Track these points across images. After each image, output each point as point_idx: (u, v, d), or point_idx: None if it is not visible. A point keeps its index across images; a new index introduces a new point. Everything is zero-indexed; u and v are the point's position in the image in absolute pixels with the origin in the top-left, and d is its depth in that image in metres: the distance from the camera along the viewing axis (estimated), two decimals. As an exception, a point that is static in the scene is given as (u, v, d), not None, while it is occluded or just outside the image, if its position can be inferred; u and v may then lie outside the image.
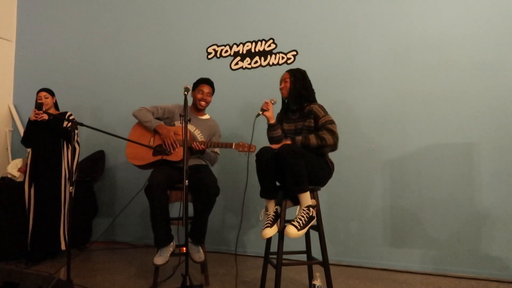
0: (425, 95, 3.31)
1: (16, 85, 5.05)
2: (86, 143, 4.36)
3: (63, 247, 3.51)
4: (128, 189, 4.19)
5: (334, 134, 2.52)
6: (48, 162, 3.50)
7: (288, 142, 2.53)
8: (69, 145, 3.58)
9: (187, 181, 2.44)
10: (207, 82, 3.13)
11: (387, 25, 3.49)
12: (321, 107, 2.64)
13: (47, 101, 3.59)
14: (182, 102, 3.10)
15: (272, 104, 2.75)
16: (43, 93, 3.61)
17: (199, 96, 3.08)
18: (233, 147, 2.78)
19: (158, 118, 3.05)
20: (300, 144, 2.50)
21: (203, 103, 3.09)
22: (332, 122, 2.56)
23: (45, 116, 3.42)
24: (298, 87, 2.68)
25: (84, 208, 4.08)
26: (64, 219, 3.53)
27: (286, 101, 2.79)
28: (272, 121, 2.73)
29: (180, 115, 2.57)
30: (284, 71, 2.80)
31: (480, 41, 3.19)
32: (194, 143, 2.87)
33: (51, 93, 3.66)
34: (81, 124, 2.62)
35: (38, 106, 3.41)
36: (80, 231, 3.98)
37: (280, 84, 2.77)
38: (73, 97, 4.60)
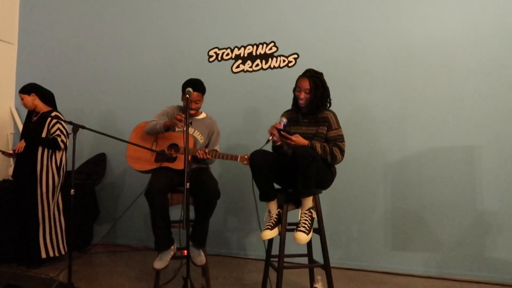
0: (427, 97, 3.31)
1: (18, 88, 5.03)
2: (87, 145, 4.37)
3: (43, 255, 3.29)
4: (129, 192, 4.19)
5: (343, 152, 2.56)
6: (24, 167, 3.36)
7: (306, 142, 2.48)
8: (48, 150, 3.37)
9: (188, 183, 2.42)
10: (195, 88, 2.87)
11: (388, 27, 3.49)
12: (336, 116, 2.62)
13: (24, 102, 3.41)
14: (179, 104, 3.12)
15: (282, 124, 2.53)
16: (20, 95, 3.42)
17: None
18: (238, 160, 2.76)
19: None
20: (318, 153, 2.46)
21: (192, 112, 2.95)
22: (343, 139, 2.59)
23: (18, 149, 3.35)
24: (319, 99, 2.56)
25: (85, 211, 4.08)
26: (43, 227, 3.32)
27: (300, 106, 2.64)
28: (279, 143, 2.56)
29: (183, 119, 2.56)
30: (303, 76, 2.60)
31: (482, 44, 3.19)
32: (199, 152, 2.83)
33: (27, 92, 3.40)
34: (82, 127, 2.62)
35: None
36: (81, 234, 3.98)
37: (298, 91, 2.59)
38: (74, 100, 4.62)
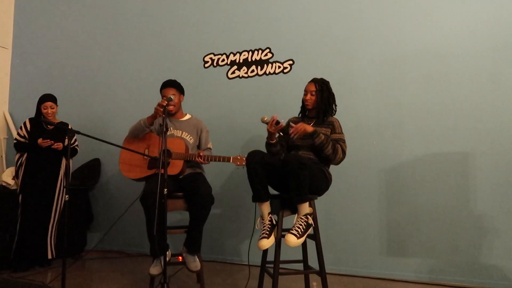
0: (420, 104, 3.34)
1: (12, 93, 5.03)
2: (81, 151, 4.34)
3: (49, 256, 3.45)
4: (123, 197, 4.16)
5: (344, 153, 2.63)
6: (46, 171, 3.48)
7: (311, 128, 2.54)
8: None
9: (166, 190, 2.42)
10: (167, 85, 3.03)
11: (383, 35, 3.52)
12: (339, 124, 2.73)
13: (53, 111, 3.56)
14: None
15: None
16: (49, 103, 3.51)
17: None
18: (231, 161, 2.76)
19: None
20: (319, 141, 2.52)
21: (170, 107, 2.95)
22: (344, 142, 2.67)
23: (61, 146, 3.45)
24: (324, 102, 2.71)
25: (79, 216, 4.05)
26: (52, 228, 3.50)
27: (306, 110, 2.81)
28: (273, 141, 2.64)
29: (160, 125, 2.58)
30: (310, 81, 2.78)
31: (475, 51, 3.23)
32: (191, 155, 2.84)
33: (56, 101, 3.60)
34: (78, 132, 2.62)
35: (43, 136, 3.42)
36: (74, 240, 3.95)
37: (304, 94, 2.76)
38: (69, 105, 4.57)
